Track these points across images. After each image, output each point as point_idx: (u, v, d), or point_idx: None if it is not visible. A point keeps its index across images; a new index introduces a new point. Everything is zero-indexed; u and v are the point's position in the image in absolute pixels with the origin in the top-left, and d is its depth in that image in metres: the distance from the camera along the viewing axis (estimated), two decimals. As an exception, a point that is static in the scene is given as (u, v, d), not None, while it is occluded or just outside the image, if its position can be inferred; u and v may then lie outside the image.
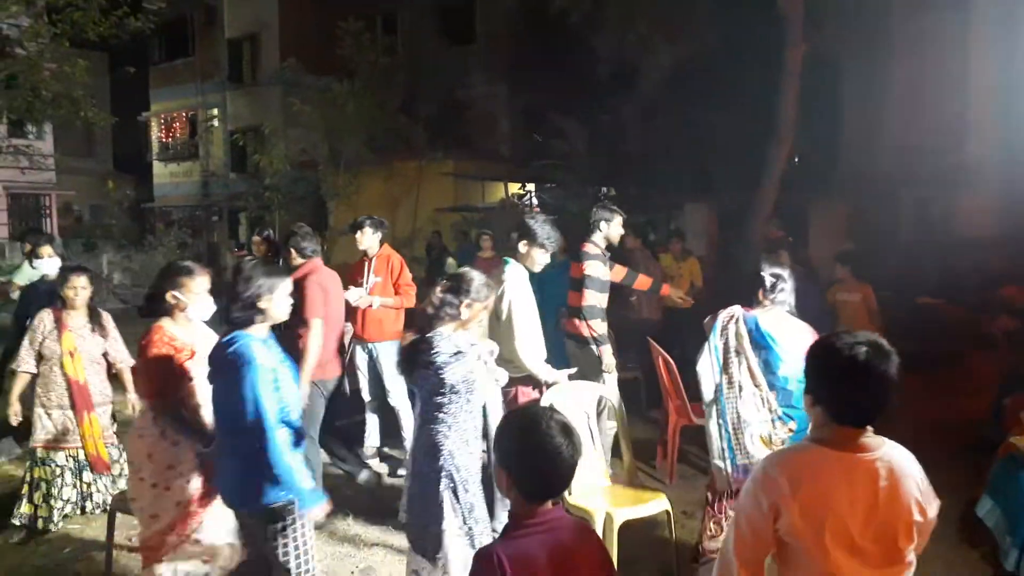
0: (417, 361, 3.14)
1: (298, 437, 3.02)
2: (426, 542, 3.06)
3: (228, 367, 2.88)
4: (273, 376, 2.90)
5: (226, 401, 2.93)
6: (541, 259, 4.49)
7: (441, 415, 3.08)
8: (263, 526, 2.92)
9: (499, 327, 4.31)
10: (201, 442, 3.30)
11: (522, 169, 16.98)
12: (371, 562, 4.30)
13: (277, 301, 3.03)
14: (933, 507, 1.96)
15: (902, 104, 13.01)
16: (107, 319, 4.78)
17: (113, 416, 4.92)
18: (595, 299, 5.12)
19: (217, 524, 3.38)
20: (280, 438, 2.85)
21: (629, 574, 3.91)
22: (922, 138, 12.65)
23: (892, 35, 12.45)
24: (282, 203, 17.87)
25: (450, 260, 9.04)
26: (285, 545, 2.92)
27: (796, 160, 13.49)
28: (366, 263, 5.79)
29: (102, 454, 4.63)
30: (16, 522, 4.54)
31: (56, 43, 12.22)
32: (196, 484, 3.35)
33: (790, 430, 3.61)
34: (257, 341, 2.95)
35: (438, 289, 3.25)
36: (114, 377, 4.86)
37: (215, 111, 25.40)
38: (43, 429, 4.56)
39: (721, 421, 3.79)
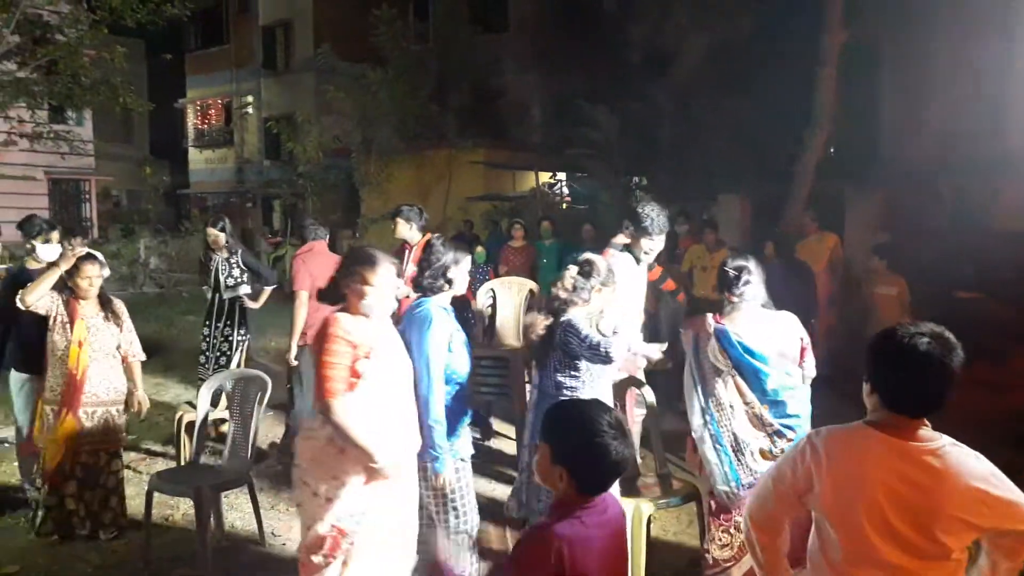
0: (552, 344, 3.41)
1: (461, 400, 3.34)
2: None
3: (414, 328, 3.23)
4: (448, 340, 3.25)
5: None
6: (647, 246, 4.45)
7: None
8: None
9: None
10: (367, 458, 2.86)
11: (553, 158, 16.92)
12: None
13: (461, 273, 3.41)
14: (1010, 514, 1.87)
15: (942, 90, 12.71)
16: (121, 308, 4.53)
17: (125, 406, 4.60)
18: None
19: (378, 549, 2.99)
20: (438, 394, 3.16)
21: (658, 566, 3.91)
22: (962, 126, 12.35)
23: (932, 19, 12.15)
24: (315, 190, 18.00)
25: (479, 249, 9.04)
26: (443, 498, 3.24)
27: (832, 150, 13.27)
28: (407, 251, 5.82)
29: (101, 458, 4.38)
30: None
31: (95, 30, 12.40)
32: (358, 505, 2.91)
33: (789, 440, 3.27)
34: (439, 307, 3.33)
35: (568, 274, 3.47)
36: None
37: (249, 98, 25.64)
38: (47, 428, 4.31)
39: (718, 446, 3.39)
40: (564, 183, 17.43)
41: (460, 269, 3.43)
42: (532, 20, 19.07)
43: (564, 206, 16.66)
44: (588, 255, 3.62)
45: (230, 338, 6.23)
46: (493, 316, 6.60)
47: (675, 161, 13.64)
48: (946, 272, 9.14)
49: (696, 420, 3.42)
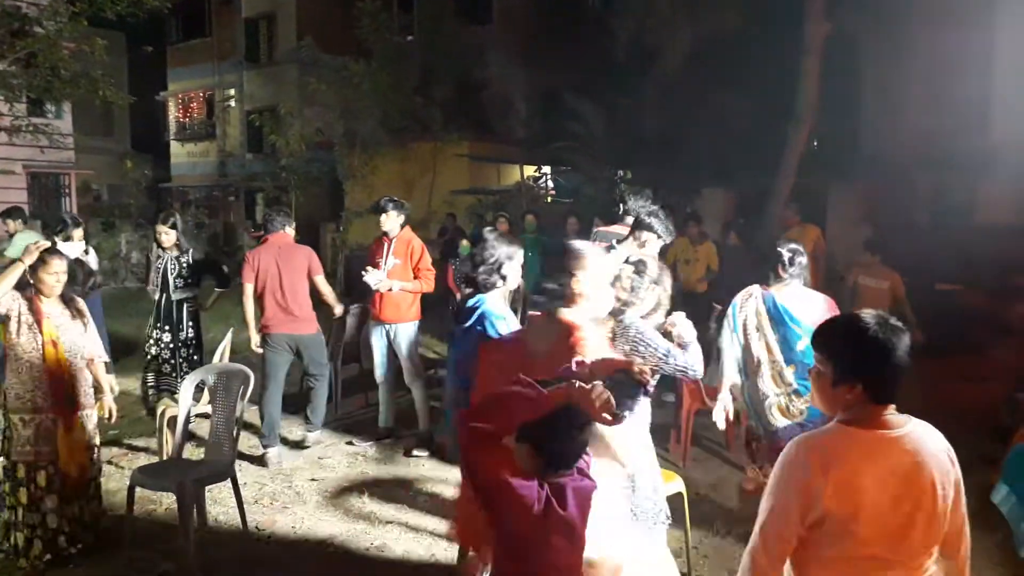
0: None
1: None
2: None
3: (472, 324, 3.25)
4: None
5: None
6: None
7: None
8: None
9: None
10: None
11: (538, 151, 16.91)
12: (386, 539, 4.34)
13: (515, 267, 3.42)
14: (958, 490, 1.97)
15: (923, 85, 12.81)
16: (83, 305, 4.26)
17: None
18: None
19: None
20: None
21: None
22: (943, 121, 12.46)
23: (913, 14, 12.23)
24: (298, 184, 17.89)
25: (464, 243, 9.04)
26: None
27: (815, 143, 13.35)
28: (385, 244, 5.81)
29: (80, 468, 4.03)
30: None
31: (74, 22, 12.23)
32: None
33: (806, 402, 3.81)
34: (496, 302, 3.38)
35: (624, 274, 3.21)
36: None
37: (232, 91, 25.44)
38: (21, 440, 3.91)
39: (745, 395, 4.15)
40: (549, 176, 17.44)
41: (514, 264, 3.43)
42: (517, 12, 19.04)
43: (549, 199, 16.67)
44: (640, 256, 3.54)
45: (193, 341, 6.08)
46: None
47: (660, 154, 13.67)
48: (927, 265, 9.23)
49: (730, 371, 4.16)
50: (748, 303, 4.14)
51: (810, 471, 1.90)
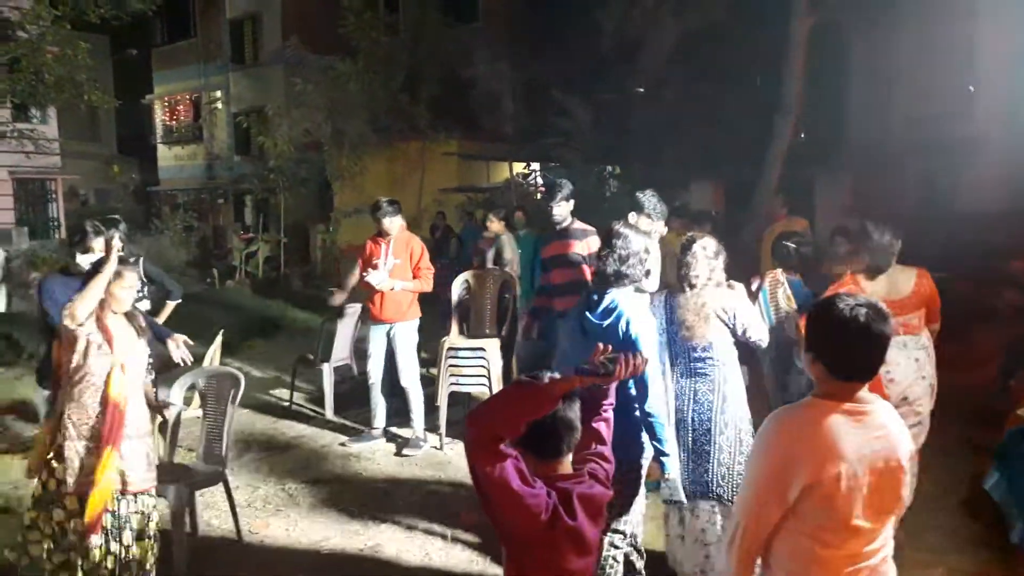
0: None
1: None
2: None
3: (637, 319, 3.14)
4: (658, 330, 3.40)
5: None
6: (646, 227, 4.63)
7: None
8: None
9: None
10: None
11: (527, 148, 16.90)
12: (379, 540, 4.35)
13: (655, 262, 3.54)
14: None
15: (908, 75, 12.88)
16: (144, 322, 3.75)
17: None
18: None
19: None
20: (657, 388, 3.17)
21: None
22: (928, 110, 12.52)
23: (898, 3, 12.29)
24: (286, 185, 17.83)
25: (454, 241, 9.06)
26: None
27: (802, 135, 13.39)
28: (384, 244, 5.81)
29: (98, 506, 3.36)
30: None
31: (57, 26, 12.16)
32: None
33: None
34: (642, 297, 3.44)
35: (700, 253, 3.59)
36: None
37: (218, 93, 25.31)
38: (76, 472, 3.38)
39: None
40: (538, 173, 17.44)
41: (653, 256, 3.54)
42: (502, 9, 19.02)
43: (538, 196, 16.68)
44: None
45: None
46: (468, 306, 6.63)
47: (647, 148, 13.69)
48: (913, 253, 9.27)
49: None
50: (779, 290, 4.69)
51: (787, 442, 1.99)
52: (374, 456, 5.78)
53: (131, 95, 24.07)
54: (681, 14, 13.14)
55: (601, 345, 2.25)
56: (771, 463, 2.02)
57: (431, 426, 5.97)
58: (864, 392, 2.03)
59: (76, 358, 3.42)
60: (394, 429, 6.15)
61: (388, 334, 5.84)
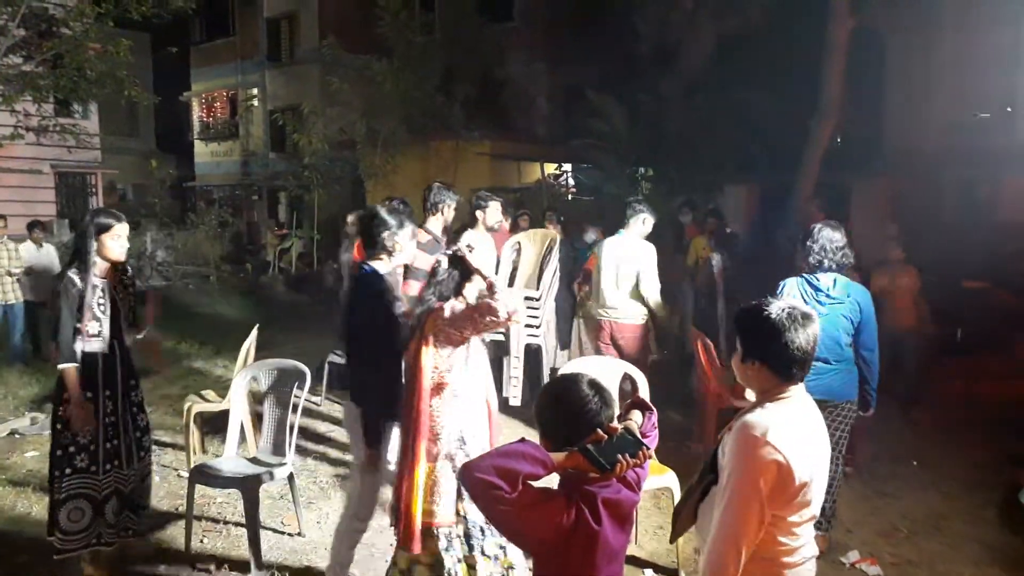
0: None
1: None
2: None
3: None
4: None
5: None
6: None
7: None
8: None
9: None
10: None
11: (559, 148, 16.88)
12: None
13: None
14: None
15: (949, 81, 12.66)
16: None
17: None
18: None
19: None
20: None
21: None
22: (969, 116, 12.30)
23: (940, 8, 12.08)
24: (320, 183, 18.00)
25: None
26: None
27: (839, 139, 13.21)
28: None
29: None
30: None
31: (100, 23, 12.38)
32: None
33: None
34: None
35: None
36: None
37: (255, 90, 25.63)
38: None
39: None
40: (569, 174, 17.40)
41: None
42: (538, 10, 19.00)
43: (569, 197, 16.64)
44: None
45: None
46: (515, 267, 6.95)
47: (683, 151, 13.59)
48: (953, 262, 9.12)
49: None
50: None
51: (770, 452, 1.99)
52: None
53: (170, 92, 24.45)
54: (719, 17, 13.03)
55: (619, 426, 2.01)
56: (756, 480, 1.99)
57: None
58: (798, 389, 2.13)
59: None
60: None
61: None
